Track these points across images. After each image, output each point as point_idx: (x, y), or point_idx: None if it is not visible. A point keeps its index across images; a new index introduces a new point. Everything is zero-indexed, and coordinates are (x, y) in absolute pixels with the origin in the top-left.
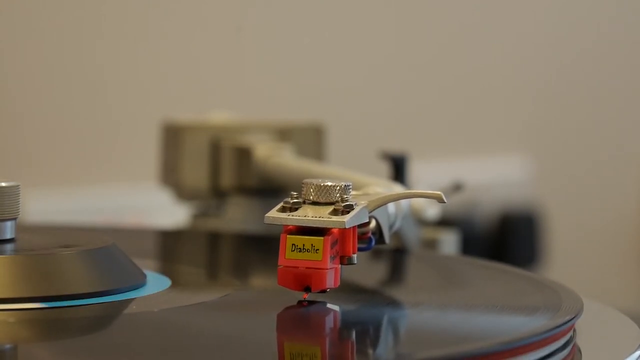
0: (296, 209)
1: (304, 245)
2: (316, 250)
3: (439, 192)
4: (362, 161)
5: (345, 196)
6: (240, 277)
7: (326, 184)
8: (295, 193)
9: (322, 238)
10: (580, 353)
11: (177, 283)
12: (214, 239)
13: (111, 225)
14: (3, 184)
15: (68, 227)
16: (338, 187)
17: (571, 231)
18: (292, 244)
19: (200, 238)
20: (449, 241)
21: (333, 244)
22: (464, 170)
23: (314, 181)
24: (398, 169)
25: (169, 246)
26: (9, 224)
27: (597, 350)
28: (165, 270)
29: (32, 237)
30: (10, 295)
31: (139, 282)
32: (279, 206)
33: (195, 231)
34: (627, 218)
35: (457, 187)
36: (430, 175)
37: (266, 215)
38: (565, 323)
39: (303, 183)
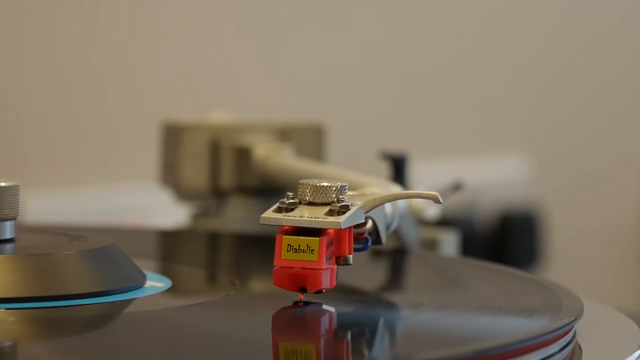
0: (292, 210)
1: (299, 245)
2: (312, 250)
3: (435, 193)
4: (362, 161)
5: (341, 197)
6: (239, 277)
7: (322, 184)
8: (291, 193)
9: (317, 239)
10: (581, 353)
11: (177, 283)
12: (214, 239)
13: (111, 225)
14: (3, 184)
15: (68, 227)
16: (334, 188)
17: (571, 231)
18: (288, 245)
19: (200, 238)
20: (449, 241)
21: (329, 245)
22: (464, 170)
23: (310, 182)
24: (398, 169)
25: (169, 246)
26: (8, 224)
27: (597, 350)
28: (165, 271)
29: (32, 237)
30: (10, 295)
31: (139, 282)
32: (275, 207)
33: (195, 231)
34: (627, 218)
35: (457, 187)
36: (430, 175)
37: (262, 215)
38: (566, 325)
39: (299, 183)
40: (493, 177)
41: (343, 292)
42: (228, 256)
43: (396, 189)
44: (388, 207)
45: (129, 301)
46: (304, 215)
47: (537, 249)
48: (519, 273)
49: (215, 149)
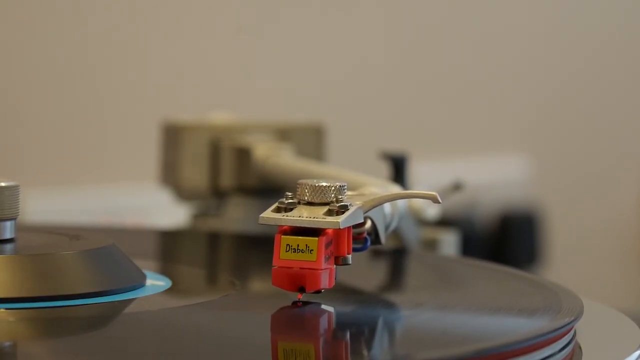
0: (291, 210)
1: (298, 245)
2: (310, 250)
3: (434, 193)
4: (362, 161)
5: (340, 196)
6: (239, 277)
7: (321, 184)
8: (290, 193)
9: (316, 238)
10: (581, 353)
11: (177, 283)
12: (214, 239)
13: (111, 225)
14: (3, 184)
15: (68, 227)
16: (333, 188)
17: (571, 231)
18: (287, 245)
19: (200, 238)
20: (449, 241)
21: (327, 245)
22: (464, 170)
23: (309, 181)
24: (398, 169)
25: (169, 246)
26: (8, 224)
27: (597, 350)
28: (165, 270)
29: (32, 237)
30: (10, 295)
31: (139, 282)
32: (273, 206)
33: (195, 231)
34: (627, 218)
35: (457, 187)
36: (430, 175)
37: (261, 215)
38: (566, 325)
39: (298, 183)
40: (493, 177)
41: (342, 292)
42: (228, 256)
43: (395, 189)
44: (387, 207)
45: (129, 301)
46: (303, 215)
47: (537, 249)
48: (519, 273)
49: (215, 149)
